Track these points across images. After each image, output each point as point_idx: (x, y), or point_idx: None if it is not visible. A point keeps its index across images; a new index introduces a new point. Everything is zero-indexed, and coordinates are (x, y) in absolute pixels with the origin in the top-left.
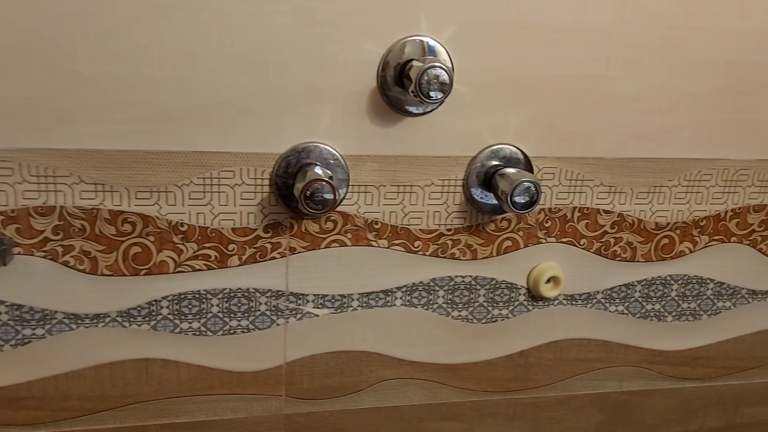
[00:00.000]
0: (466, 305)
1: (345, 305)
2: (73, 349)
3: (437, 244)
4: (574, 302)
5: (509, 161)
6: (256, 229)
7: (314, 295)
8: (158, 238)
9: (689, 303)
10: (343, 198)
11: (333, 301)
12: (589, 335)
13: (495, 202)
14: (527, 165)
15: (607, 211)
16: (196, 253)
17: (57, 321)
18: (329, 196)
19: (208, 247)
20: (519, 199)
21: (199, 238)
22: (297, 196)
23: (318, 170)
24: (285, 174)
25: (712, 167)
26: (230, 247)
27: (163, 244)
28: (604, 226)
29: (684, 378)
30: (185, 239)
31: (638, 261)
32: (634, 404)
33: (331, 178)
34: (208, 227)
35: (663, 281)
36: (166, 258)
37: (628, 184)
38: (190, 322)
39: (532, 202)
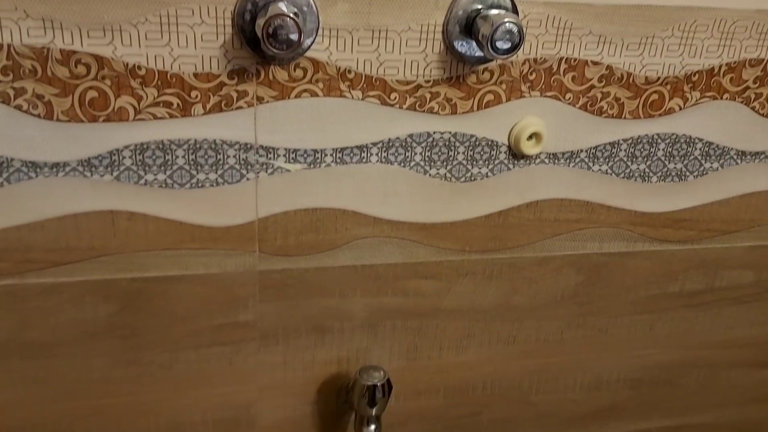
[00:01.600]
0: (445, 163)
1: (318, 161)
2: (34, 198)
3: (415, 97)
4: (556, 161)
5: (492, 5)
6: (219, 75)
7: (285, 149)
8: (115, 83)
9: (676, 163)
10: (312, 43)
11: (305, 156)
12: (571, 195)
13: (478, 52)
14: (513, 10)
15: (595, 63)
16: (156, 100)
17: (14, 169)
18: (294, 36)
19: (169, 94)
20: (500, 44)
21: (159, 83)
22: (259, 35)
23: (282, 5)
24: (249, 13)
25: (708, 17)
26: (193, 94)
27: (120, 89)
28: (591, 79)
29: (666, 240)
30: (144, 84)
31: (625, 118)
32: (614, 266)
33: (296, 14)
34: (167, 71)
35: (650, 140)
36: (125, 104)
37: (619, 33)
38: (155, 174)
39: (514, 46)
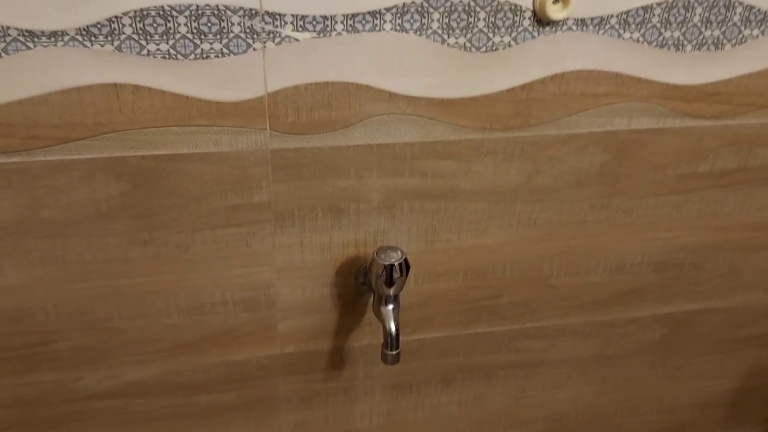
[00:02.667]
0: (464, 31)
1: (328, 29)
2: (34, 70)
3: None
4: (584, 27)
5: None
6: None
7: (292, 15)
8: None
9: (712, 30)
10: None
11: (314, 23)
12: (600, 66)
13: None
14: None
15: None
16: None
17: (12, 38)
18: None
19: None
20: None
21: None
22: None
23: None
24: None
25: None
26: None
27: None
28: None
29: (698, 116)
30: None
31: None
32: (642, 143)
33: None
34: None
35: (685, 4)
36: None
37: None
38: (157, 44)
39: None
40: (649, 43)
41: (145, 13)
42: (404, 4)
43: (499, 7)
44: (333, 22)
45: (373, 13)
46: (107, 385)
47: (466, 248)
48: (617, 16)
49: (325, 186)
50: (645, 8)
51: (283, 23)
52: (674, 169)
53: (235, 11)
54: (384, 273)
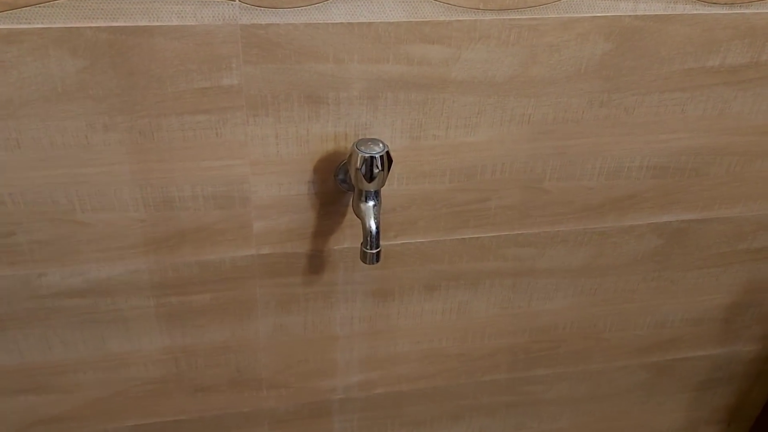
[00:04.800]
0: None
1: None
2: None
3: None
4: None
5: None
6: None
7: None
8: None
9: None
10: None
11: None
12: None
13: None
14: None
15: None
16: None
17: None
18: None
19: None
20: None
21: None
22: None
23: None
24: None
25: None
26: None
27: None
28: None
29: (710, 2)
30: None
31: None
32: (648, 32)
33: None
34: None
35: None
36: None
37: None
38: None
39: None
40: None
41: None
42: None
43: None
44: None
45: None
46: (73, 283)
47: (454, 146)
48: None
49: (302, 70)
50: None
51: None
52: (681, 63)
53: None
54: (364, 166)
